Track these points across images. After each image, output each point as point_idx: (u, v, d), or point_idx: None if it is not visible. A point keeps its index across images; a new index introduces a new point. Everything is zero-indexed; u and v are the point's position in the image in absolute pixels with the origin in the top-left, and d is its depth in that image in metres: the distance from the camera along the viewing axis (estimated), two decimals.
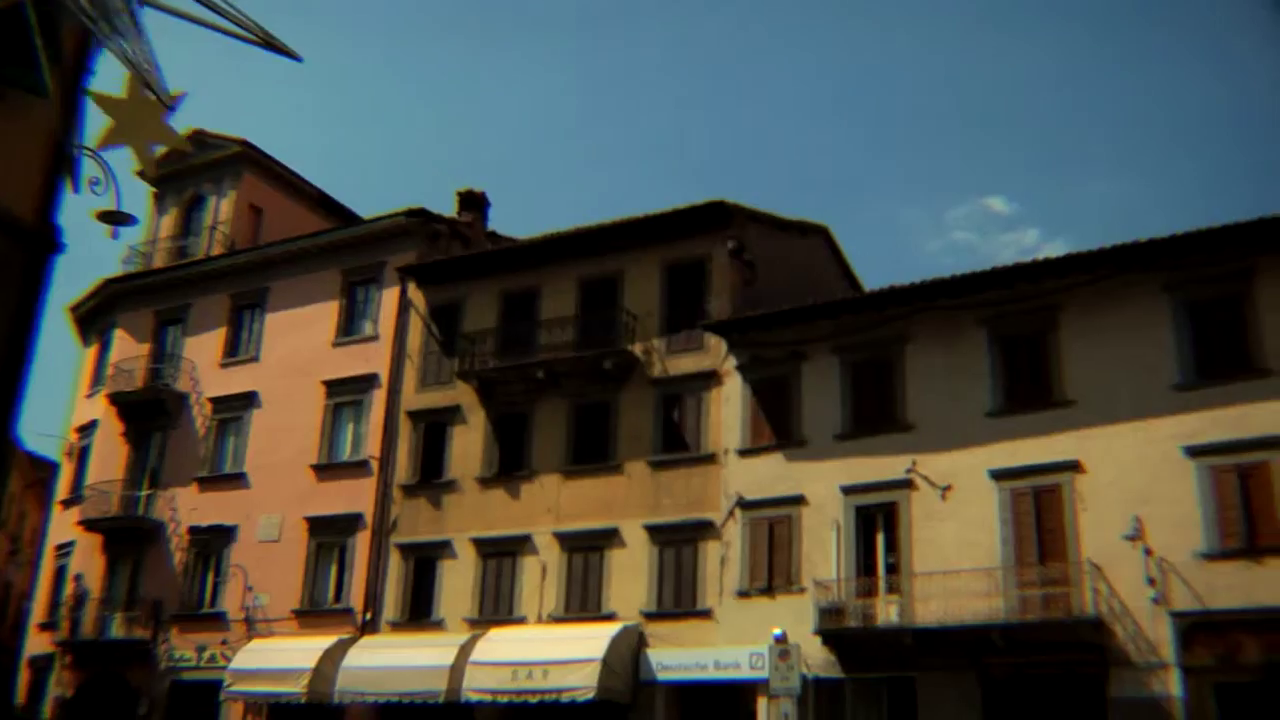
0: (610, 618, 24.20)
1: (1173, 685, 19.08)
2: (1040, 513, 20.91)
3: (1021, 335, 22.19)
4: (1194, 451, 19.88)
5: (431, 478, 27.86)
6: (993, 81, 77.33)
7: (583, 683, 22.42)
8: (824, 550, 22.49)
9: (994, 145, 77.93)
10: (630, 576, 24.52)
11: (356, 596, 27.54)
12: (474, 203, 32.63)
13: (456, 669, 23.91)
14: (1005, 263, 22.95)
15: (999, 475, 21.33)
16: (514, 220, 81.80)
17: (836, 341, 23.78)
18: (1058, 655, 19.92)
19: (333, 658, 25.62)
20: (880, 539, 22.43)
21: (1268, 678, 18.31)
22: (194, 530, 30.19)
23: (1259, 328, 20.05)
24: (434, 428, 28.30)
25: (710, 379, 25.15)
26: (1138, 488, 20.12)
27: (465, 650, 24.27)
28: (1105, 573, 19.95)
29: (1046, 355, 21.80)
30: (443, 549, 26.90)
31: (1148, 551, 19.72)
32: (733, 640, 22.75)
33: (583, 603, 24.93)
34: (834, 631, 21.50)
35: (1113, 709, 19.37)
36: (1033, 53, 75.53)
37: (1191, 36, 70.96)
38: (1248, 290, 20.36)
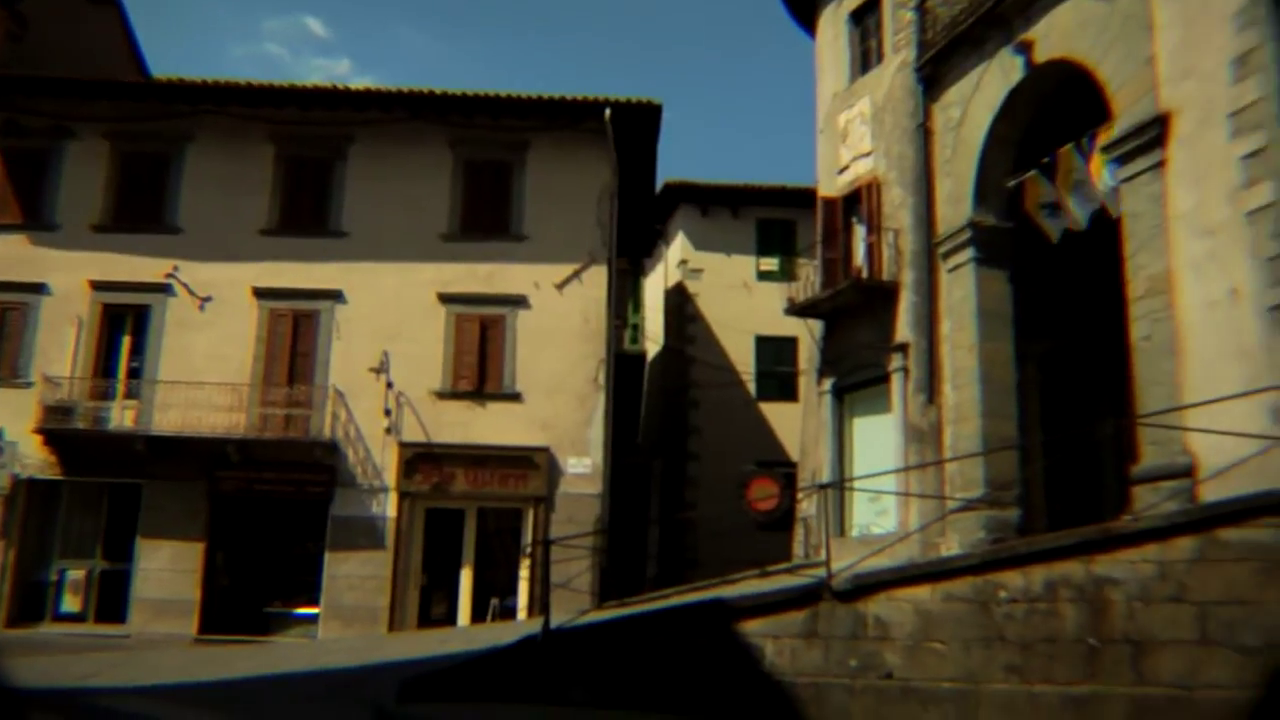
0: None
1: (390, 507, 20.62)
2: (297, 336, 21.21)
3: (309, 159, 22.04)
4: (447, 299, 21.35)
5: None
6: None
7: None
8: (61, 346, 20.84)
9: None
10: None
11: None
12: None
13: None
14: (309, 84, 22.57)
15: (262, 294, 21.20)
16: None
17: (112, 126, 21.79)
18: (290, 474, 20.53)
19: None
20: (127, 342, 21.31)
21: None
22: None
23: (522, 197, 21.90)
24: None
25: None
26: (392, 325, 21.19)
27: None
28: (348, 400, 20.86)
29: (330, 184, 21.90)
30: None
31: (390, 384, 20.93)
32: None
33: None
34: (58, 431, 20.08)
35: (333, 526, 20.49)
36: None
37: None
38: (520, 160, 22.08)
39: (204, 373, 20.61)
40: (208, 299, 21.21)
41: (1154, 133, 13.16)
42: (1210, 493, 11.07)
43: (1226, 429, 10.71)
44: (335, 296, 21.31)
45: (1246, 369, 11.49)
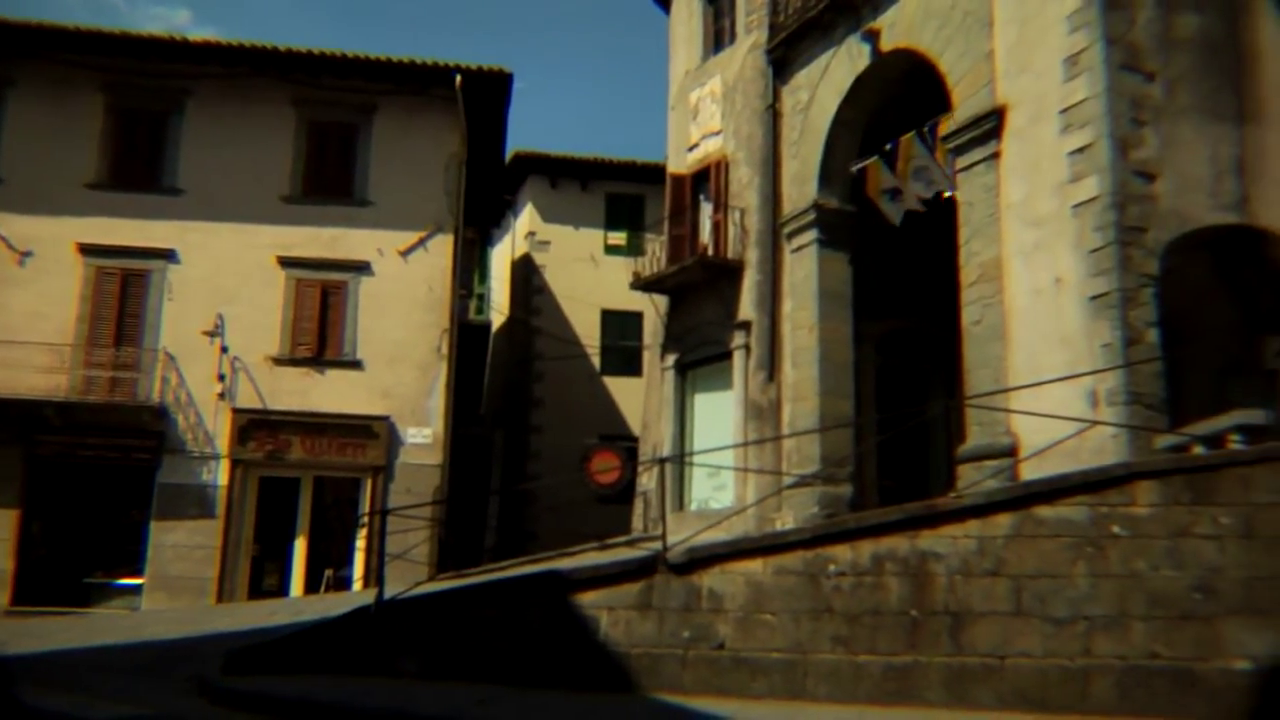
0: None
1: (222, 475, 20.01)
2: (126, 296, 20.33)
3: (143, 111, 21.12)
4: (287, 263, 20.77)
5: None
6: None
7: None
8: None
9: None
10: None
11: None
12: None
13: None
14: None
15: (89, 251, 20.24)
16: None
17: None
18: (115, 439, 19.72)
19: None
20: None
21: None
22: None
23: (367, 161, 21.43)
24: None
25: None
26: (228, 288, 20.52)
27: None
28: (180, 364, 20.12)
29: (165, 139, 21.03)
30: None
31: (225, 349, 20.27)
32: None
33: None
34: None
35: (160, 494, 19.78)
36: None
37: None
38: (366, 123, 21.57)
39: (22, 331, 19.57)
40: (28, 254, 20.14)
41: (990, 125, 13.62)
42: (1030, 472, 11.56)
43: (1047, 412, 11.19)
44: (168, 256, 20.50)
45: (1067, 355, 12.03)
